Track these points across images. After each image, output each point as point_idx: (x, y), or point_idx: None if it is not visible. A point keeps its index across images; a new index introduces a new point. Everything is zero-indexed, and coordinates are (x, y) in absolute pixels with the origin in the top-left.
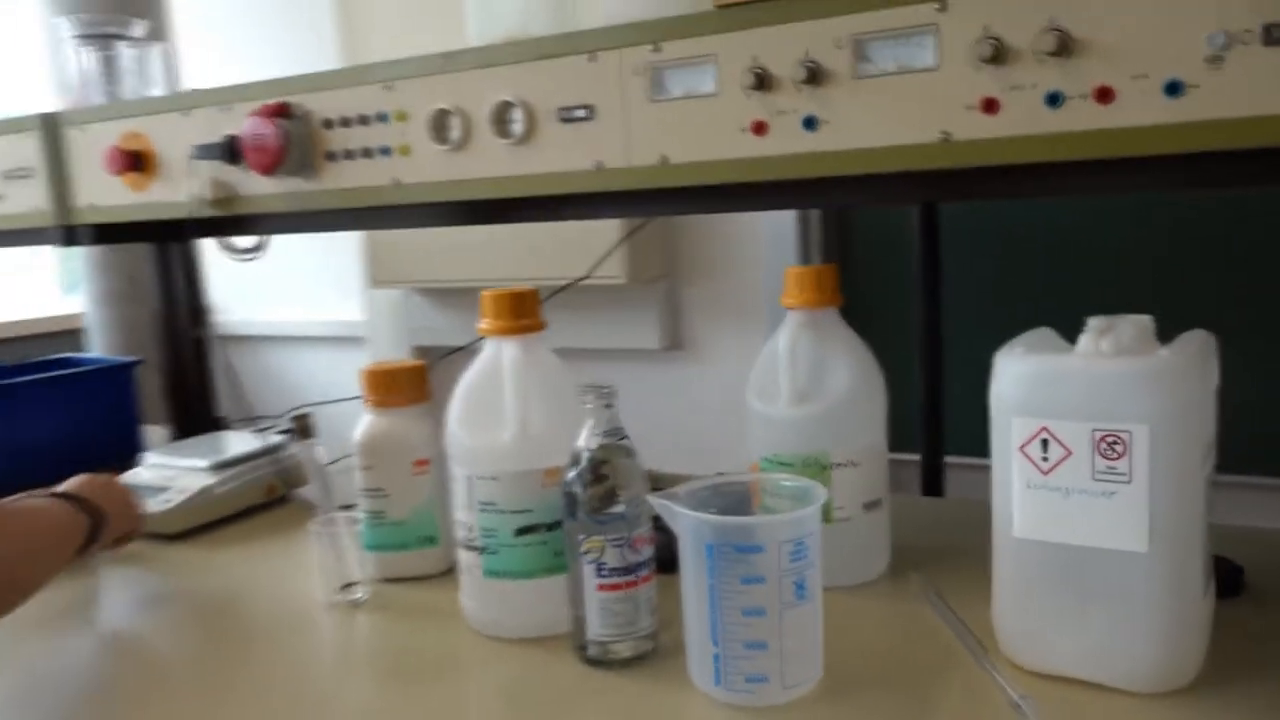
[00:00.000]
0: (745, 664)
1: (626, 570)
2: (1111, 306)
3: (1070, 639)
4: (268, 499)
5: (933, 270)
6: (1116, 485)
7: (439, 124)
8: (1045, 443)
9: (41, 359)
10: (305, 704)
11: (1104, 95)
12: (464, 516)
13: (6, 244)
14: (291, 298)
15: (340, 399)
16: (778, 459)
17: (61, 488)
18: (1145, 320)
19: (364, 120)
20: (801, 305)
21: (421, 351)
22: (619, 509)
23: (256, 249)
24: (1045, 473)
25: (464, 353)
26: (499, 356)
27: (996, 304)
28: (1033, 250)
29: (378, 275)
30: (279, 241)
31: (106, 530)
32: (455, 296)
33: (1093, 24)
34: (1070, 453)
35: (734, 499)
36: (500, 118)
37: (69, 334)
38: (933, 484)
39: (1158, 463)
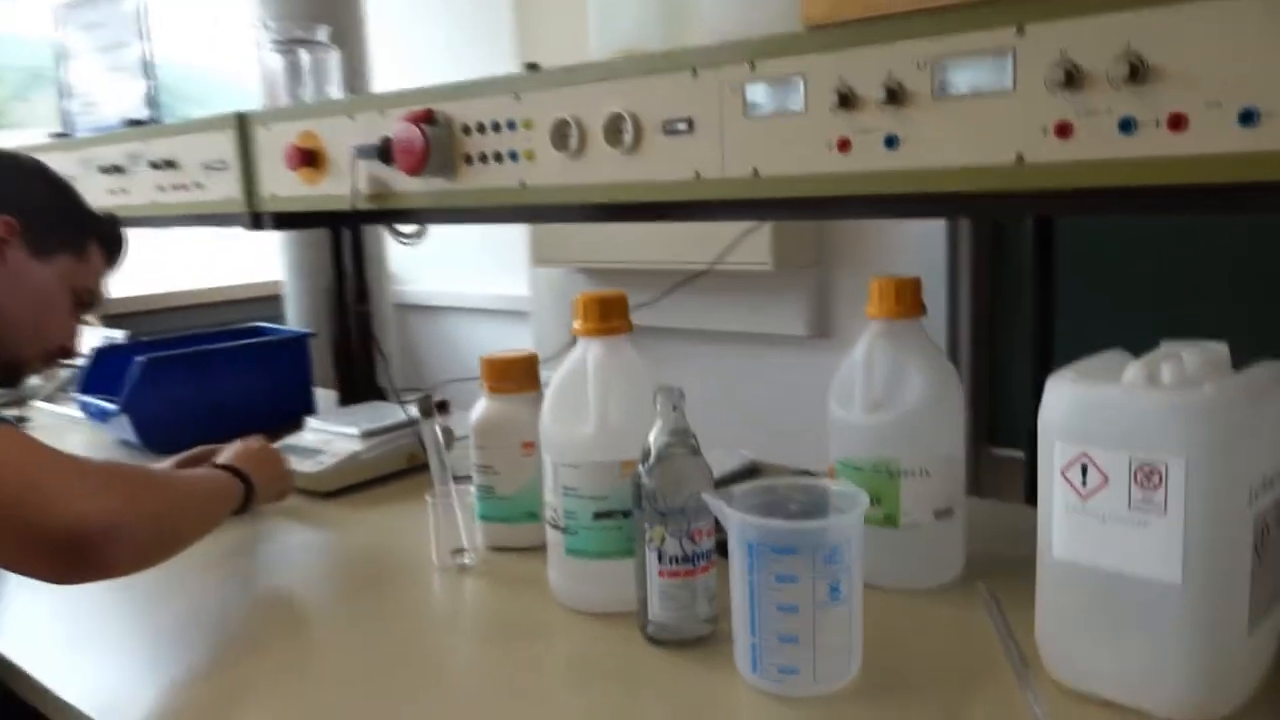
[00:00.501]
0: (779, 655)
1: (686, 559)
2: (1229, 324)
3: (1106, 662)
4: (409, 465)
5: (1046, 274)
6: (1151, 516)
7: (560, 133)
8: (1085, 468)
9: (235, 327)
10: (408, 649)
11: (1177, 122)
12: (551, 498)
13: (205, 225)
14: (466, 272)
15: (465, 378)
16: (850, 463)
17: (224, 457)
18: (1218, 348)
19: (496, 127)
20: (882, 315)
21: None
22: (679, 503)
23: (418, 234)
24: (1084, 498)
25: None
26: (586, 355)
27: (1118, 310)
28: (1160, 260)
29: (540, 255)
30: None
31: (258, 495)
32: (612, 277)
33: (1168, 51)
34: (1108, 480)
35: (790, 500)
36: (613, 128)
37: (275, 299)
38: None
39: (1194, 496)
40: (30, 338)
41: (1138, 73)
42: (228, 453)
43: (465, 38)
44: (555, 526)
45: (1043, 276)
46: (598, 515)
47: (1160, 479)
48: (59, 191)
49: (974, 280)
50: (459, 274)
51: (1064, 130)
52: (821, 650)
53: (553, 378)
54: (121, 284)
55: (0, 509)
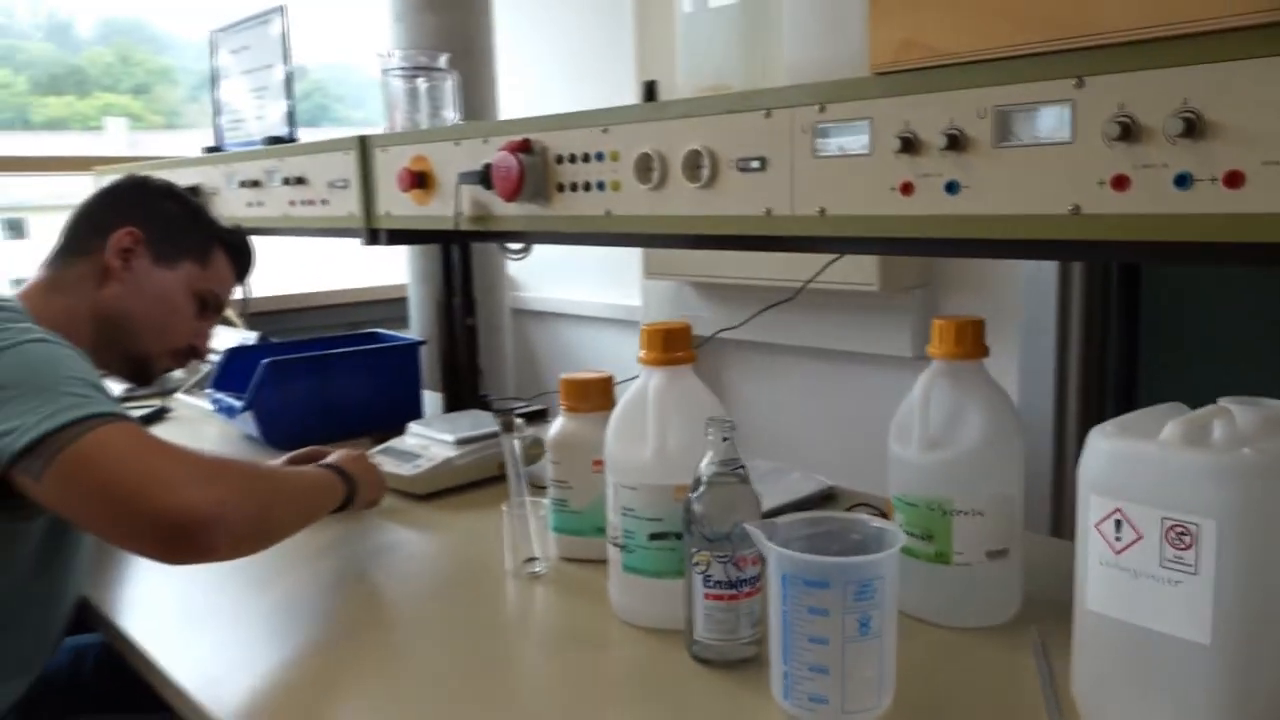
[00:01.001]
0: (809, 684)
1: (730, 584)
2: None
3: (1137, 718)
4: (500, 473)
5: (1132, 317)
6: (1183, 575)
7: (643, 165)
8: (1119, 523)
9: (353, 333)
10: (476, 649)
11: (1234, 180)
12: (612, 516)
13: (328, 236)
14: (581, 282)
15: (537, 398)
16: (905, 499)
17: (331, 459)
18: (1276, 406)
19: (586, 158)
20: (942, 356)
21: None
22: (725, 530)
23: (525, 250)
24: (1117, 552)
25: (715, 343)
26: (649, 383)
27: (1204, 360)
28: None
29: (652, 268)
30: None
31: (359, 497)
32: (720, 290)
33: (1226, 108)
34: (1141, 536)
35: (834, 534)
36: (691, 163)
37: (402, 301)
38: None
39: (1226, 557)
40: (154, 338)
41: (1194, 128)
42: (334, 456)
43: (589, 53)
44: (615, 544)
45: (1129, 319)
46: (653, 536)
47: (1192, 539)
48: (185, 207)
49: (1085, 312)
50: (574, 283)
51: (1120, 183)
52: (851, 681)
53: (620, 401)
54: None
55: (121, 493)
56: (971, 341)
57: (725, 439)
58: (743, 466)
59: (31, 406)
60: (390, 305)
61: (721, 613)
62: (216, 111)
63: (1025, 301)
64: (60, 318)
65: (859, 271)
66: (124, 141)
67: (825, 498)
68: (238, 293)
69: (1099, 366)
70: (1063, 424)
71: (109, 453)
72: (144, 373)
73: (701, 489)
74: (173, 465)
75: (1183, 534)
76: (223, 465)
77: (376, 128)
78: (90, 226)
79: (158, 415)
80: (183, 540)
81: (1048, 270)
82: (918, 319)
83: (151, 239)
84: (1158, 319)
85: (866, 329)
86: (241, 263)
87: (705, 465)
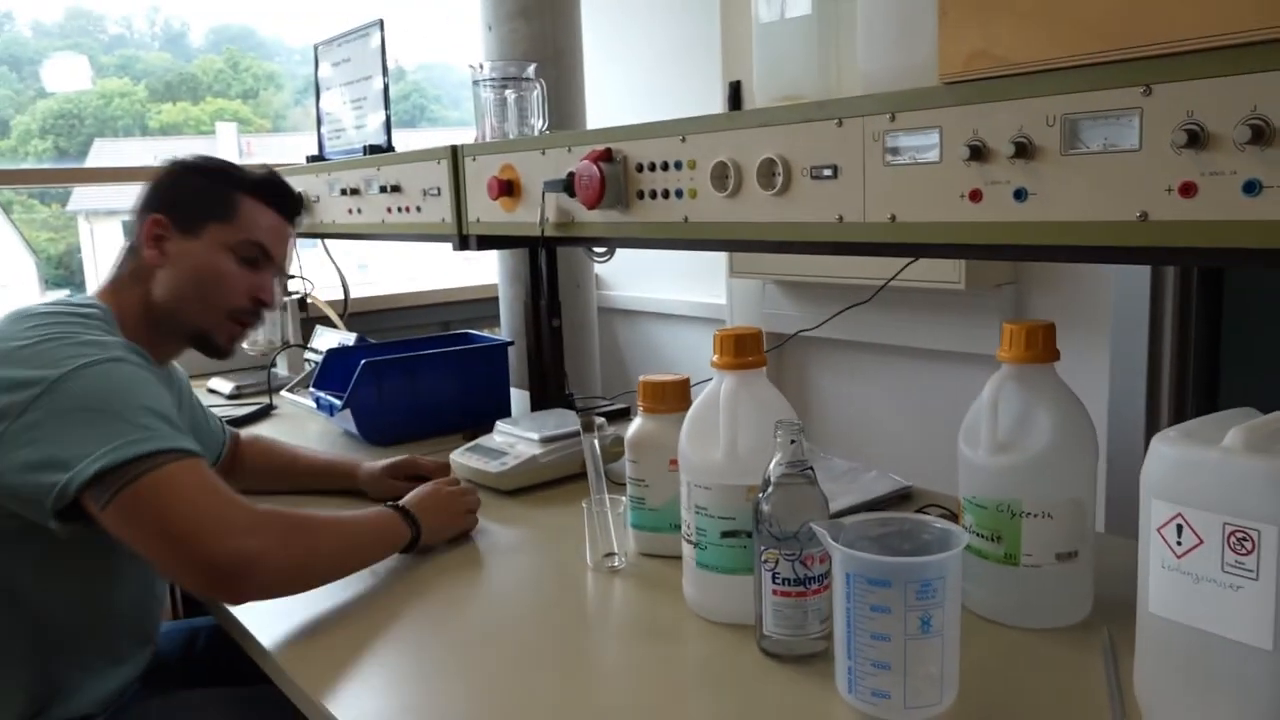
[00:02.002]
0: (872, 679)
1: (797, 582)
2: None
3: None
4: (581, 471)
5: (1213, 320)
6: (1244, 580)
7: (719, 173)
8: (1180, 528)
9: (446, 334)
10: (558, 639)
11: None
12: (685, 515)
13: (420, 241)
14: (667, 281)
15: (620, 397)
16: (975, 501)
17: (408, 498)
18: None
19: (664, 166)
20: (1012, 360)
21: (773, 335)
22: (792, 530)
23: (609, 252)
24: (1179, 556)
25: (798, 341)
26: (722, 386)
27: None
28: None
29: (736, 267)
30: None
31: (425, 537)
32: (803, 288)
33: None
34: (1202, 541)
35: (900, 534)
36: (765, 171)
37: (494, 300)
38: None
39: None
40: (204, 309)
41: (1263, 135)
42: (414, 495)
43: (676, 55)
44: (689, 541)
45: (1209, 321)
46: (725, 534)
47: (1253, 544)
48: (205, 174)
49: (1178, 310)
50: (661, 282)
51: (1188, 190)
52: (913, 678)
53: (694, 404)
54: (359, 287)
55: (172, 535)
56: (1041, 345)
57: (793, 441)
58: (810, 468)
59: (102, 434)
60: (482, 305)
61: (789, 609)
62: (319, 121)
63: (1115, 299)
64: (128, 316)
65: (944, 270)
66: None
67: (901, 498)
68: (291, 241)
69: (1190, 365)
70: (1155, 422)
71: (164, 496)
72: (211, 345)
73: (770, 490)
74: (221, 513)
75: (1243, 539)
76: (267, 517)
77: (470, 128)
78: (136, 222)
79: (263, 413)
80: (219, 585)
81: (1138, 267)
82: (1006, 316)
83: (175, 218)
84: (1242, 320)
85: (952, 327)
86: (279, 202)
87: (774, 466)
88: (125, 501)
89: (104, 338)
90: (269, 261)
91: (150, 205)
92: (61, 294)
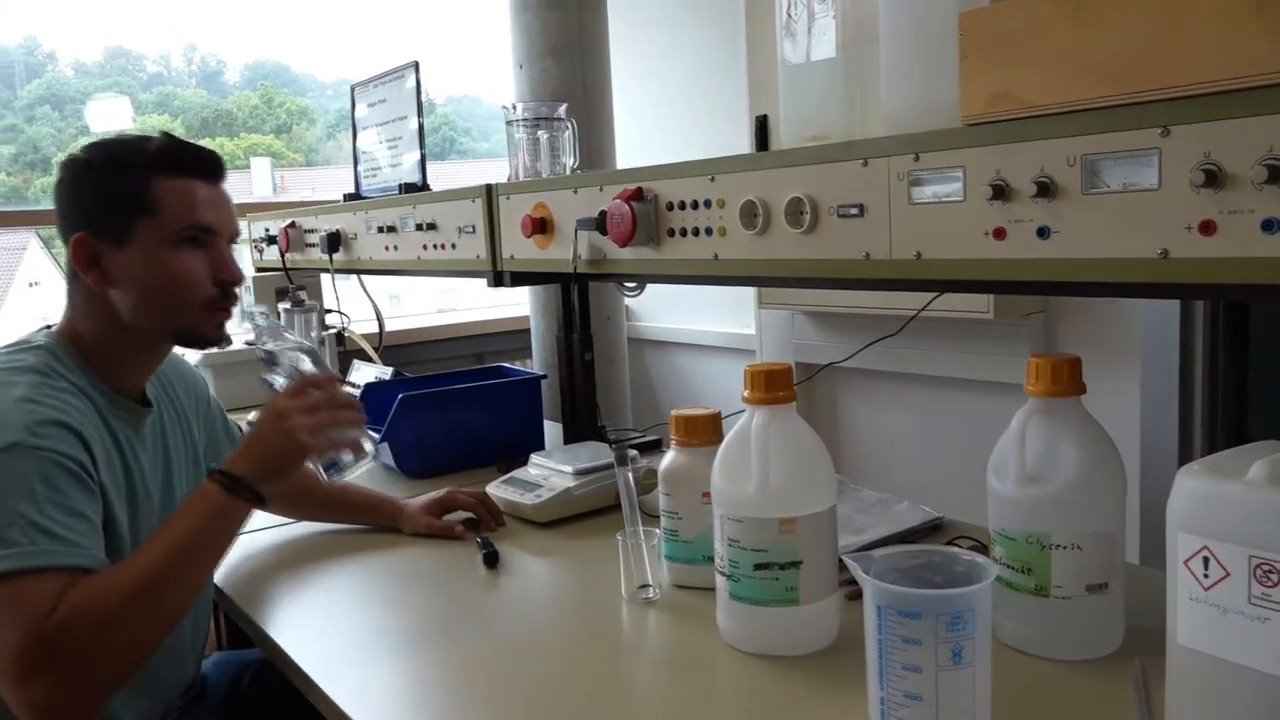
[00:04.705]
0: (904, 710)
1: None
2: None
3: None
4: (615, 503)
5: (1241, 346)
6: (1272, 612)
7: (748, 211)
8: (1207, 560)
9: (479, 367)
10: (594, 670)
11: None
12: (719, 547)
13: (455, 276)
14: (697, 311)
15: (652, 429)
16: (1004, 534)
17: (227, 462)
18: None
19: (694, 205)
20: (1038, 394)
21: (803, 366)
22: None
23: (638, 287)
24: (1206, 589)
25: (828, 371)
26: (753, 421)
27: None
28: None
29: (765, 298)
30: None
31: (260, 480)
32: (832, 318)
33: None
34: (1229, 574)
35: (931, 566)
36: (793, 210)
37: (527, 333)
38: None
39: None
40: (171, 313)
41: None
42: (230, 458)
43: (704, 91)
44: (722, 573)
45: (1236, 351)
46: (757, 566)
47: (1279, 577)
48: (107, 170)
49: (1208, 341)
50: (690, 314)
51: (1208, 228)
52: (945, 709)
53: (726, 437)
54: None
55: None
56: (1068, 379)
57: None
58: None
59: None
60: (514, 336)
61: None
62: (355, 160)
63: (1144, 327)
64: (98, 346)
65: (973, 300)
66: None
67: (933, 529)
68: (226, 199)
69: (1220, 395)
70: (1187, 453)
71: None
72: (196, 339)
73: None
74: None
75: (1270, 572)
76: (55, 637)
77: (499, 159)
78: (65, 245)
79: None
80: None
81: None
82: (1035, 346)
83: (99, 231)
84: (1268, 351)
85: (982, 356)
86: (195, 168)
87: None
88: None
89: (27, 397)
90: (214, 235)
91: (70, 224)
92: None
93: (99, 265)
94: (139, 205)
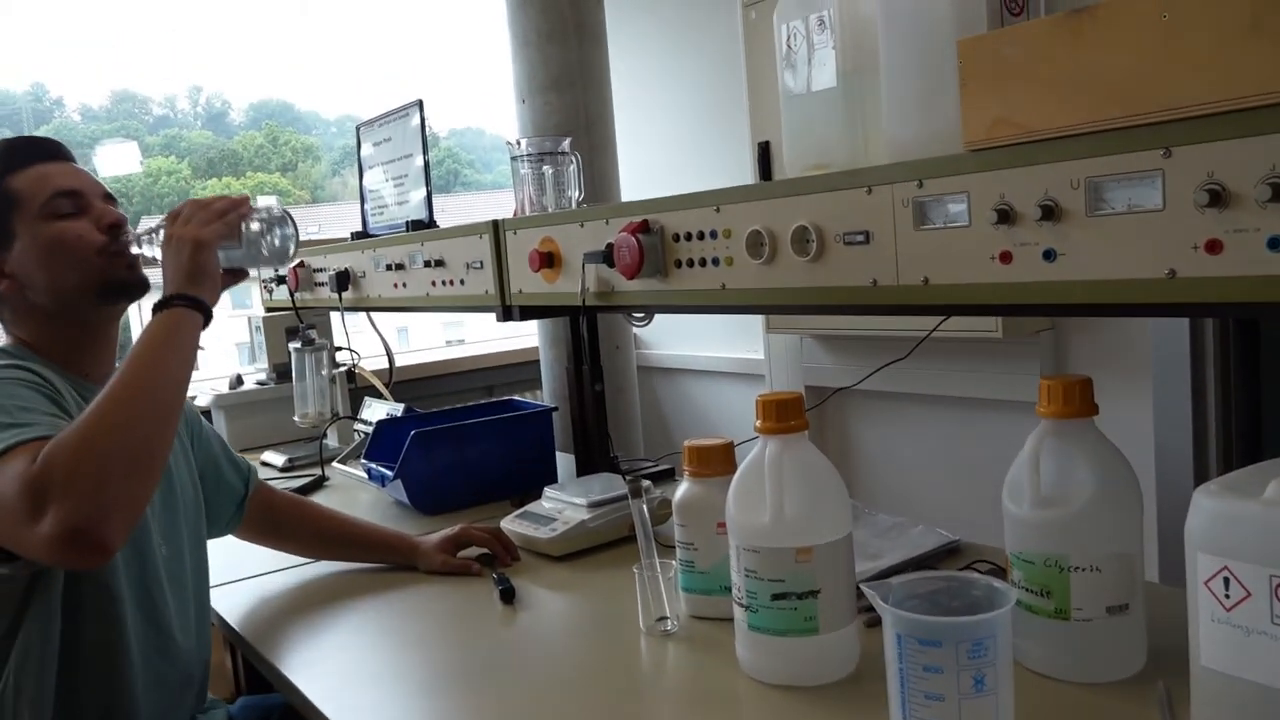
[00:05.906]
0: None
1: None
2: None
3: None
4: (630, 534)
5: (1252, 363)
6: None
7: (754, 241)
8: (1227, 580)
9: (491, 401)
10: (611, 703)
11: None
12: (735, 577)
13: (464, 311)
14: (705, 337)
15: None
16: (1022, 557)
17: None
18: None
19: (701, 236)
20: (1050, 416)
21: (813, 390)
22: None
23: (646, 318)
24: (1228, 609)
25: (839, 394)
26: (766, 450)
27: None
28: None
29: (773, 323)
30: None
31: (191, 268)
32: (841, 341)
33: None
34: (1250, 594)
35: (949, 593)
36: (799, 239)
37: (534, 365)
38: None
39: None
40: (75, 271)
41: None
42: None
43: (705, 118)
44: (739, 604)
45: (1248, 367)
46: (775, 596)
47: None
48: None
49: (1220, 357)
50: (699, 340)
51: (1214, 247)
52: None
53: (740, 467)
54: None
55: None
56: (1079, 400)
57: None
58: None
59: None
60: (523, 369)
61: None
62: (362, 198)
63: (1155, 342)
64: (40, 338)
65: (981, 319)
66: None
67: (949, 552)
68: (68, 173)
69: (1234, 411)
70: (1203, 470)
71: None
72: (117, 287)
73: None
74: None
75: None
76: (43, 476)
77: (504, 190)
78: None
79: (317, 484)
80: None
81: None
82: (1046, 363)
83: None
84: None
85: (992, 375)
86: (38, 155)
87: None
88: None
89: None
90: (81, 196)
91: None
92: None
93: (3, 273)
94: (6, 204)
